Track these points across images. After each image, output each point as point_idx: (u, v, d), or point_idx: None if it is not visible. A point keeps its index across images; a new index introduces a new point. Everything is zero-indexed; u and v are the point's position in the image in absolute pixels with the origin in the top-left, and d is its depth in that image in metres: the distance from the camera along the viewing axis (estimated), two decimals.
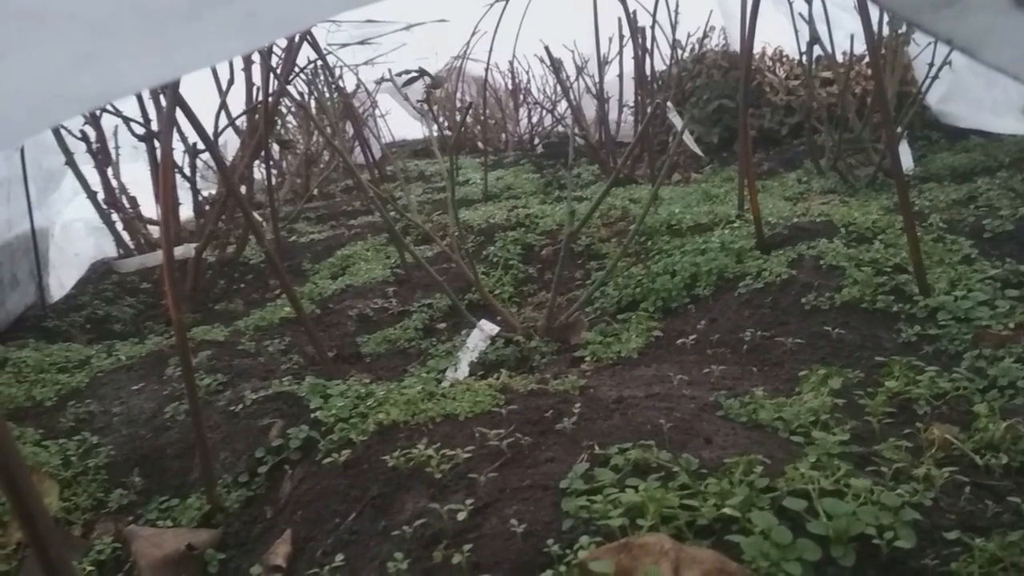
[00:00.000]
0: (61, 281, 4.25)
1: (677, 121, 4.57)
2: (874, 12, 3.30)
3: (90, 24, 0.41)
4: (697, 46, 6.65)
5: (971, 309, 2.33)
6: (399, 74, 2.85)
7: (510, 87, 9.12)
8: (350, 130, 6.85)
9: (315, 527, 1.77)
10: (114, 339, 3.55)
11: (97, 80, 0.46)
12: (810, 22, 4.28)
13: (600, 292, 3.16)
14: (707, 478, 1.43)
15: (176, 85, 2.38)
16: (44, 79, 0.46)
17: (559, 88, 6.63)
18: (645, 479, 1.45)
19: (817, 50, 4.51)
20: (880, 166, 4.28)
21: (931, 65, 4.12)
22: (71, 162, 3.92)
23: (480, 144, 8.33)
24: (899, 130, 4.16)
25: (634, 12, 5.31)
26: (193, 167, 4.07)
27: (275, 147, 6.05)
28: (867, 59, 4.94)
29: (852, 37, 4.51)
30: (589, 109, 6.64)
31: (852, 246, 2.95)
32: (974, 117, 5.06)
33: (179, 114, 2.61)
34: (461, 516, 1.49)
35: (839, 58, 4.81)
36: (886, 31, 4.41)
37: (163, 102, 3.41)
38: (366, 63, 7.79)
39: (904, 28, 4.36)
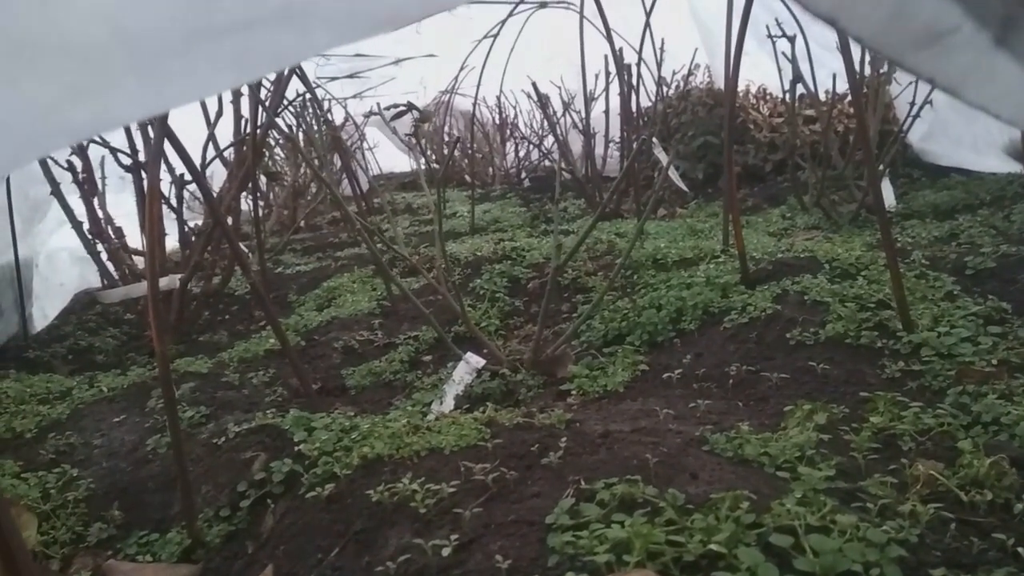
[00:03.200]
0: (45, 311, 4.21)
1: (662, 157, 4.61)
2: (856, 52, 3.36)
3: (81, 56, 0.41)
4: (682, 83, 6.74)
5: (954, 345, 2.34)
6: (387, 108, 2.87)
7: (497, 121, 9.20)
8: (338, 162, 6.88)
9: (297, 562, 1.75)
10: (96, 370, 3.51)
11: (88, 112, 0.46)
12: (793, 61, 4.35)
13: (586, 325, 3.16)
14: (693, 514, 1.43)
15: (164, 116, 2.39)
16: (34, 111, 0.46)
17: (546, 123, 6.70)
18: (631, 514, 1.44)
19: (800, 88, 4.58)
20: (863, 203, 4.32)
21: (912, 104, 4.19)
22: (57, 192, 3.90)
23: (467, 177, 8.37)
24: (881, 168, 4.21)
25: (620, 49, 5.37)
26: (180, 198, 4.06)
27: (263, 179, 6.06)
28: (849, 98, 5.02)
29: (835, 76, 4.58)
30: (576, 144, 6.70)
31: (836, 282, 2.97)
32: (955, 155, 5.14)
33: (167, 145, 2.61)
34: (446, 552, 1.47)
35: (822, 96, 4.89)
36: (868, 71, 4.48)
37: (151, 133, 3.41)
38: (355, 96, 7.85)
39: (886, 68, 4.44)
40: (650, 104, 6.10)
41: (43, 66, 0.43)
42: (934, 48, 0.54)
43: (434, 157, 8.63)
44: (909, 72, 0.56)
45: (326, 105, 6.71)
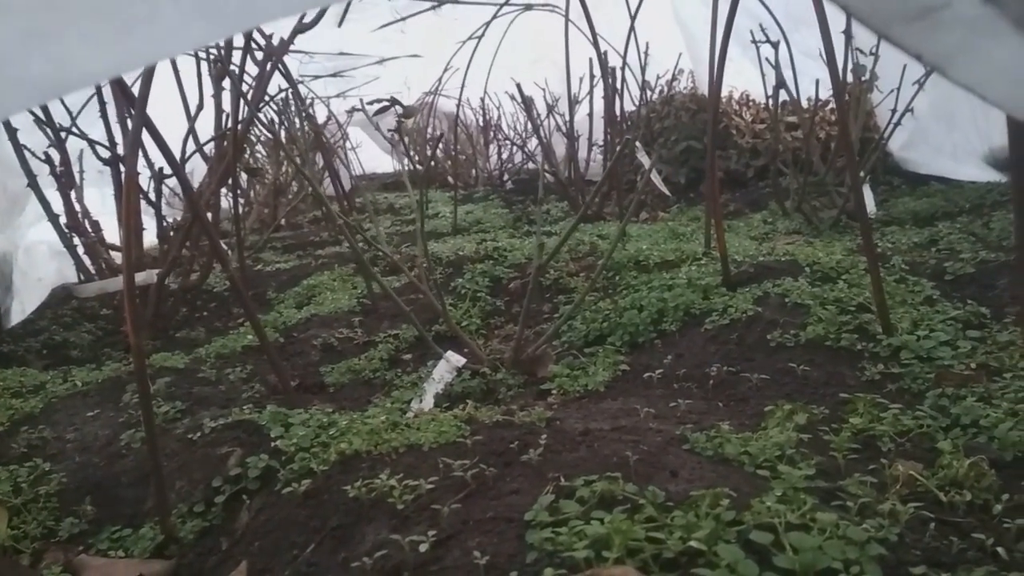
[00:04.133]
0: (24, 306, 4.13)
1: (645, 161, 4.61)
2: (839, 59, 3.37)
3: None
4: (666, 88, 6.75)
5: (933, 349, 2.35)
6: (371, 103, 2.85)
7: (481, 123, 9.18)
8: (320, 161, 6.84)
9: (272, 558, 1.72)
10: (71, 365, 3.46)
11: (47, 62, 0.44)
12: (776, 67, 4.37)
13: (568, 326, 3.15)
14: (673, 511, 1.41)
15: (144, 104, 2.35)
16: None
17: (530, 125, 6.68)
18: (611, 511, 1.42)
19: (783, 95, 4.59)
20: (843, 209, 4.34)
21: (894, 112, 4.22)
22: (33, 184, 3.84)
23: (450, 179, 8.35)
24: (862, 174, 4.23)
25: (605, 53, 5.38)
26: (159, 192, 4.01)
27: (243, 175, 6.01)
28: (831, 105, 5.05)
29: (817, 82, 4.60)
30: (559, 147, 6.69)
31: (816, 285, 2.97)
32: (935, 164, 5.18)
33: (147, 139, 2.56)
34: (423, 548, 1.45)
35: (804, 103, 4.91)
36: (850, 78, 4.50)
37: (130, 125, 3.36)
38: (338, 95, 7.82)
39: (868, 76, 4.46)
40: (634, 108, 6.11)
41: None
42: (923, 22, 0.53)
43: (417, 158, 8.60)
44: (895, 46, 0.55)
45: (309, 102, 6.67)
